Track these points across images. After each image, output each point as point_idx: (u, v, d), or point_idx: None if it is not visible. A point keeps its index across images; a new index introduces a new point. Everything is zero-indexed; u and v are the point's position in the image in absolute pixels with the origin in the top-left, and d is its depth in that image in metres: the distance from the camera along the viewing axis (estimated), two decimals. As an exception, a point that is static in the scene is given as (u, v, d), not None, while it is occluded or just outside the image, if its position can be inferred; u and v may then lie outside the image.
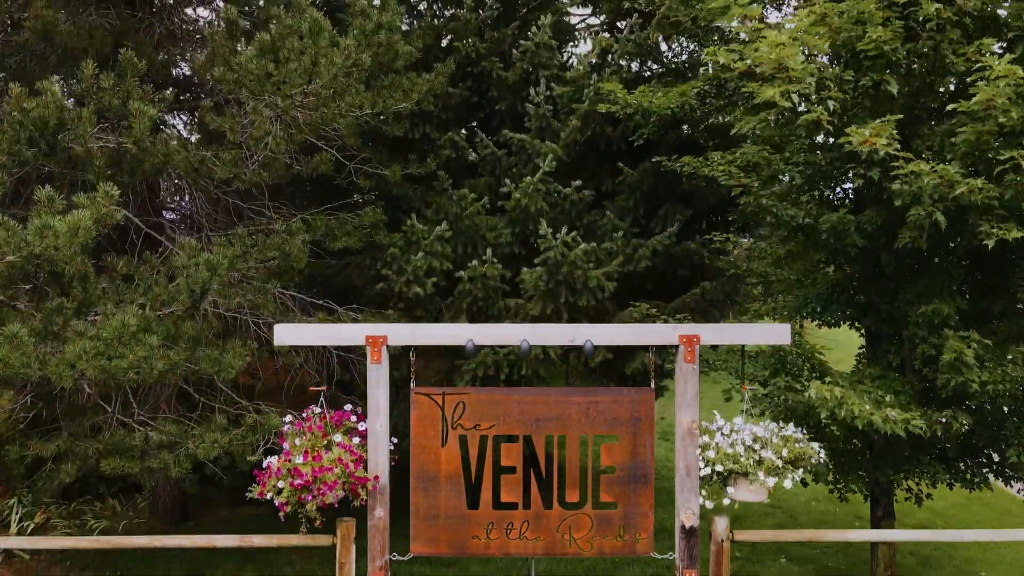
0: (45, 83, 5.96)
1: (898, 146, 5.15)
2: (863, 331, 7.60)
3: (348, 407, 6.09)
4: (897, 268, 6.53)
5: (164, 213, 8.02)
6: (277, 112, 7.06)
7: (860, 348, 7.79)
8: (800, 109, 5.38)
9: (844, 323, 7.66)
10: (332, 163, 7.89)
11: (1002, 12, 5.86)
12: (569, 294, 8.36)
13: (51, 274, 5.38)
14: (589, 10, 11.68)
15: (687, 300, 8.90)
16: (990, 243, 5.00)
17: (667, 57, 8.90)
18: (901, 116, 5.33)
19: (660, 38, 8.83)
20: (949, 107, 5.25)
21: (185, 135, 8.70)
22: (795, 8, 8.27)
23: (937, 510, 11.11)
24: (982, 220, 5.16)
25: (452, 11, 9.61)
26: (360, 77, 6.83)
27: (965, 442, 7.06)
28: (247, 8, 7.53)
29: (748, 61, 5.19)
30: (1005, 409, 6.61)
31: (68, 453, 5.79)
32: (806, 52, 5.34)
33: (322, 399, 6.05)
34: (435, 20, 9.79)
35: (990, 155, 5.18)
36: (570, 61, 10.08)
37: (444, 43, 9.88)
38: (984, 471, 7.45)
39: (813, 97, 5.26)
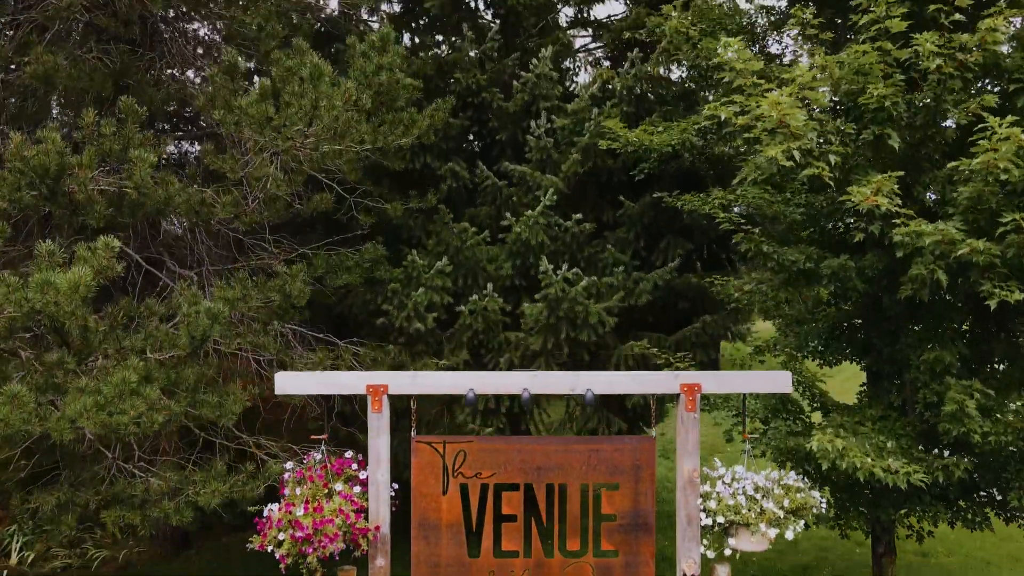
0: (46, 132, 5.95)
1: (899, 201, 5.15)
2: (864, 368, 7.59)
3: (349, 454, 6.10)
4: (898, 312, 6.53)
5: (164, 250, 8.00)
6: (277, 152, 7.07)
7: (862, 385, 7.78)
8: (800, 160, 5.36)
9: (845, 361, 7.65)
10: (332, 201, 7.88)
11: (1005, 48, 5.85)
12: (570, 329, 8.35)
13: (52, 327, 5.38)
14: (590, 34, 11.70)
15: (688, 333, 8.90)
16: (992, 303, 4.99)
17: (666, 93, 8.88)
18: (902, 173, 5.32)
19: (661, 71, 8.81)
20: (950, 164, 5.24)
21: (185, 161, 8.67)
22: (795, 39, 8.28)
23: (939, 535, 11.11)
24: (984, 279, 5.15)
25: (453, 39, 9.60)
26: (361, 119, 6.82)
27: (966, 483, 7.05)
28: (247, 48, 7.51)
29: (749, 115, 5.19)
30: (1007, 451, 6.60)
31: (69, 503, 5.78)
32: (806, 102, 5.33)
33: (323, 448, 6.06)
34: (436, 51, 9.77)
35: (992, 207, 5.16)
36: (572, 87, 10.06)
37: (443, 55, 9.88)
38: (985, 510, 7.44)
39: (815, 151, 5.26)
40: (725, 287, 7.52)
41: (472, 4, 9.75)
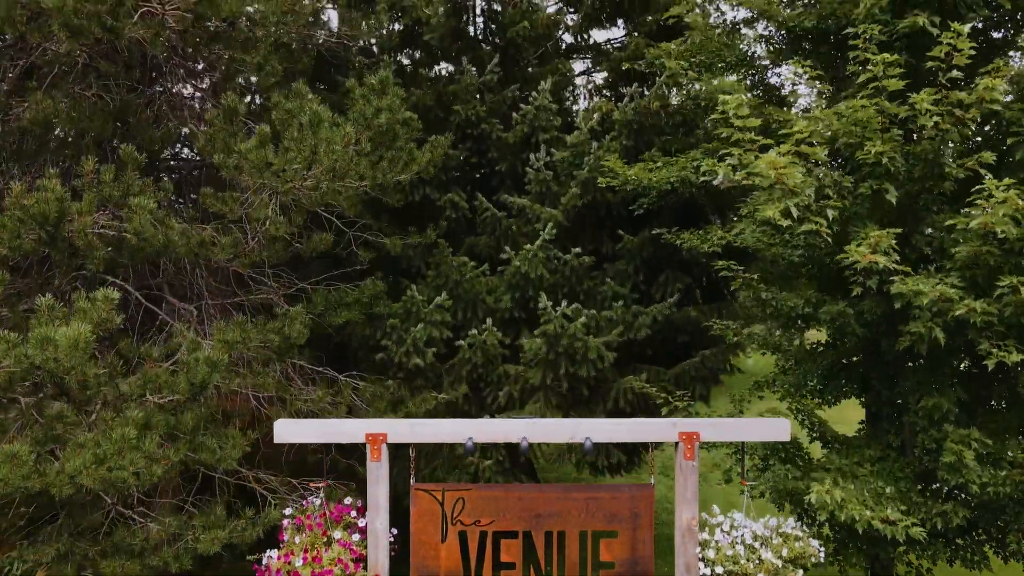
0: (46, 181, 5.97)
1: (897, 256, 5.15)
2: (864, 406, 7.60)
3: (348, 501, 6.12)
4: (897, 355, 6.53)
5: (164, 283, 8.01)
6: (277, 192, 7.08)
7: (861, 422, 7.79)
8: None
9: (844, 400, 7.66)
10: (332, 239, 7.90)
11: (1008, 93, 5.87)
12: (569, 364, 8.36)
13: (52, 379, 5.39)
14: (590, 57, 11.71)
15: (687, 367, 8.91)
16: (990, 364, 5.01)
17: (666, 123, 8.88)
18: (900, 230, 5.34)
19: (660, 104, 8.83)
20: (948, 222, 5.25)
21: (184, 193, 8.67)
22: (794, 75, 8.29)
23: (938, 572, 11.07)
24: (982, 338, 5.16)
25: (452, 70, 9.62)
26: (360, 159, 6.84)
27: (964, 525, 7.06)
28: (248, 87, 7.53)
29: (746, 170, 5.20)
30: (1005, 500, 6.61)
31: (69, 553, 5.80)
32: (804, 157, 5.34)
33: (322, 495, 6.07)
34: (435, 79, 9.78)
35: (990, 264, 5.17)
36: (572, 118, 10.06)
37: (442, 85, 9.90)
38: (984, 548, 7.44)
39: (813, 207, 5.27)
40: (724, 331, 7.54)
41: (472, 31, 9.76)
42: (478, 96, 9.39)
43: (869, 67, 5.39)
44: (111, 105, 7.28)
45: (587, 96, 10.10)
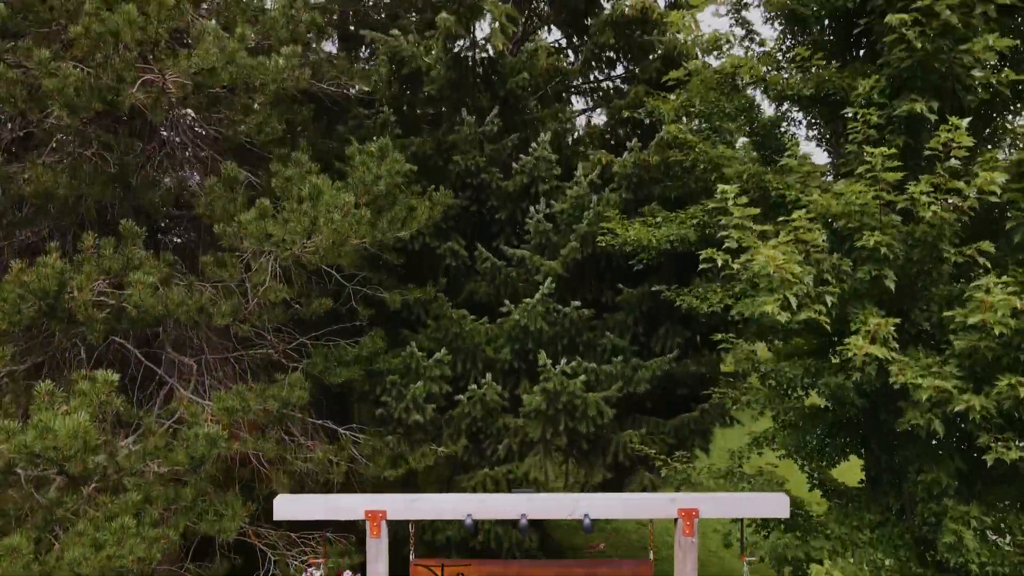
0: (46, 258, 5.99)
1: (896, 345, 5.16)
2: (864, 469, 7.59)
3: (347, 574, 6.14)
4: (895, 425, 6.54)
5: (165, 340, 8.02)
6: (278, 258, 7.09)
7: (861, 481, 7.78)
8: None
9: (844, 460, 7.65)
10: (332, 300, 7.92)
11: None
12: (568, 419, 8.37)
13: (52, 464, 5.40)
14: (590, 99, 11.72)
15: (686, 420, 8.92)
16: (989, 460, 5.02)
17: (666, 174, 8.89)
18: (899, 320, 5.35)
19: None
20: (946, 313, 5.27)
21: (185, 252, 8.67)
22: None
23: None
24: (981, 431, 5.16)
25: (452, 120, 9.62)
26: (362, 224, 6.85)
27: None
28: (249, 155, 7.54)
29: (745, 256, 5.22)
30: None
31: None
32: (803, 242, 5.36)
33: (322, 570, 6.10)
34: (435, 129, 9.80)
35: (988, 358, 5.18)
36: (572, 162, 10.05)
37: (442, 134, 9.91)
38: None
39: (812, 293, 5.28)
40: (723, 399, 7.54)
41: (471, 79, 9.76)
42: (478, 147, 9.39)
43: (867, 157, 5.40)
44: (112, 164, 7.29)
45: (586, 144, 10.08)
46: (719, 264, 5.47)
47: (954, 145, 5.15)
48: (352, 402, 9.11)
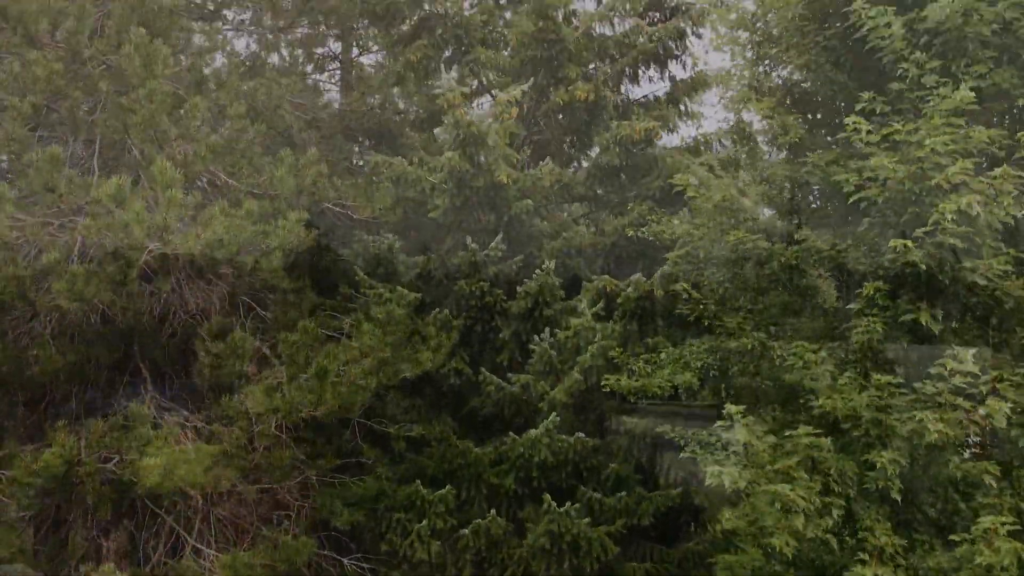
0: (52, 448, 6.04)
1: (903, 562, 5.22)
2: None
3: None
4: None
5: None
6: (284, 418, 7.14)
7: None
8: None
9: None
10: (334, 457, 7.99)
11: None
12: (573, 557, 8.41)
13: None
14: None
15: (692, 547, 8.94)
16: None
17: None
18: (905, 542, 5.41)
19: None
20: (952, 537, 5.32)
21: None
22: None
23: None
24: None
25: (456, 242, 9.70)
26: (363, 394, 6.92)
27: None
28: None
29: (750, 484, 5.29)
30: None
31: None
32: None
33: None
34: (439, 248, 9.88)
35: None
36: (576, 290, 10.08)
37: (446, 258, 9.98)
38: None
39: (818, 504, 5.32)
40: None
41: (475, 200, 9.81)
42: (483, 268, 9.44)
43: (872, 383, 5.47)
44: (120, 324, 7.32)
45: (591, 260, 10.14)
46: (725, 484, 5.50)
47: (958, 374, 5.21)
48: (356, 534, 9.13)
